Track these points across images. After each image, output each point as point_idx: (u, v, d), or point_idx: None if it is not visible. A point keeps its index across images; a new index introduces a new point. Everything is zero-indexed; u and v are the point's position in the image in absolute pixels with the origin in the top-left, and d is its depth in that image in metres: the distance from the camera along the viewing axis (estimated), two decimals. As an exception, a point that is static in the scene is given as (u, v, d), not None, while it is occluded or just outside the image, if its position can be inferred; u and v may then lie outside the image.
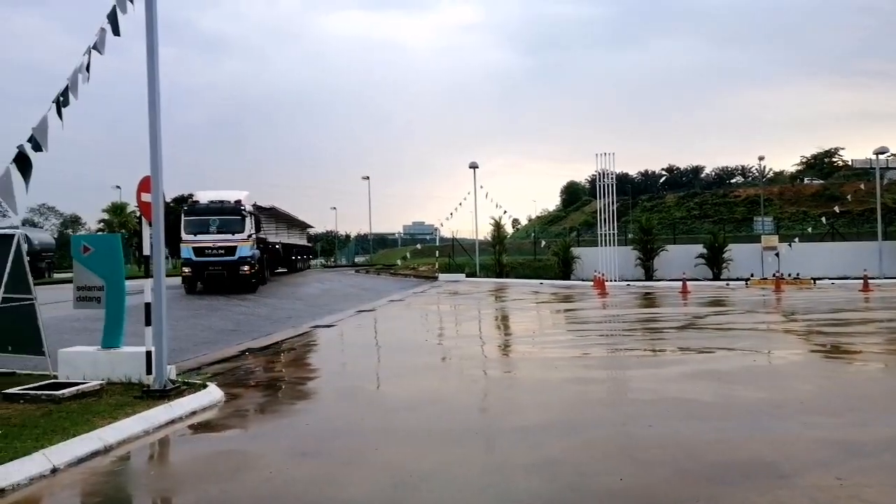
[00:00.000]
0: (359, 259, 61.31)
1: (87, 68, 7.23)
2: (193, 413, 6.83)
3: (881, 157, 34.15)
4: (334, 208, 78.39)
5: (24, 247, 8.21)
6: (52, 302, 12.72)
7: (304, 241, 44.38)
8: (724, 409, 6.58)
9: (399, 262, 45.24)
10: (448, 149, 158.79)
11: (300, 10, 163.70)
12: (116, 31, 7.37)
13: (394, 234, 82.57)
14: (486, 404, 7.32)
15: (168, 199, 40.17)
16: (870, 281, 24.71)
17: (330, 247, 67.66)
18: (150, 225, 7.77)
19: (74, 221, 72.53)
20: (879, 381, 8.26)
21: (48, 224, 70.34)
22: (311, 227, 48.50)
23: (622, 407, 6.94)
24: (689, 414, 6.34)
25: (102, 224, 49.00)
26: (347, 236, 76.77)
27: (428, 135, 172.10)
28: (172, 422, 6.48)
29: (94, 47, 7.49)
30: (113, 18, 7.41)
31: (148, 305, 7.72)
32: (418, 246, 49.39)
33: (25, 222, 61.66)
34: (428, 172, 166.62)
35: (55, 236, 51.56)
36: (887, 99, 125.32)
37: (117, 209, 46.55)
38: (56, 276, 36.15)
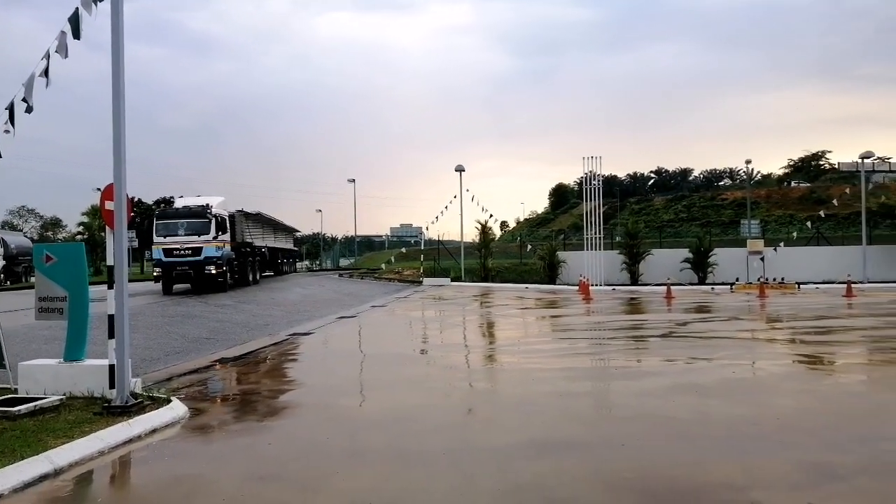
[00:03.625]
0: (344, 262, 60.69)
1: (46, 73, 6.97)
2: (154, 431, 6.58)
3: (867, 160, 34.34)
4: (319, 210, 78.24)
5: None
6: (25, 308, 12.37)
7: (290, 245, 44.32)
8: (700, 426, 6.42)
9: (383, 266, 44.95)
10: (438, 150, 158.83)
11: (289, 10, 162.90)
12: (77, 35, 7.11)
13: (381, 236, 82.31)
14: (460, 422, 7.11)
15: (150, 202, 39.69)
16: (853, 286, 24.80)
17: (315, 250, 66.98)
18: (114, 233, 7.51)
19: (55, 224, 71.17)
20: (859, 396, 8.15)
21: (28, 227, 68.88)
22: (297, 231, 48.33)
23: (598, 425, 6.76)
24: (666, 433, 6.17)
25: (82, 227, 48.24)
26: (333, 239, 76.27)
27: (417, 136, 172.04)
28: (130, 440, 6.24)
29: (56, 51, 7.25)
30: (74, 21, 7.15)
31: (111, 317, 7.46)
32: (403, 250, 49.10)
33: (4, 225, 60.62)
34: (417, 174, 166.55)
35: (35, 239, 50.71)
36: (877, 103, 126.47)
37: (97, 212, 45.86)
38: (32, 280, 35.60)
